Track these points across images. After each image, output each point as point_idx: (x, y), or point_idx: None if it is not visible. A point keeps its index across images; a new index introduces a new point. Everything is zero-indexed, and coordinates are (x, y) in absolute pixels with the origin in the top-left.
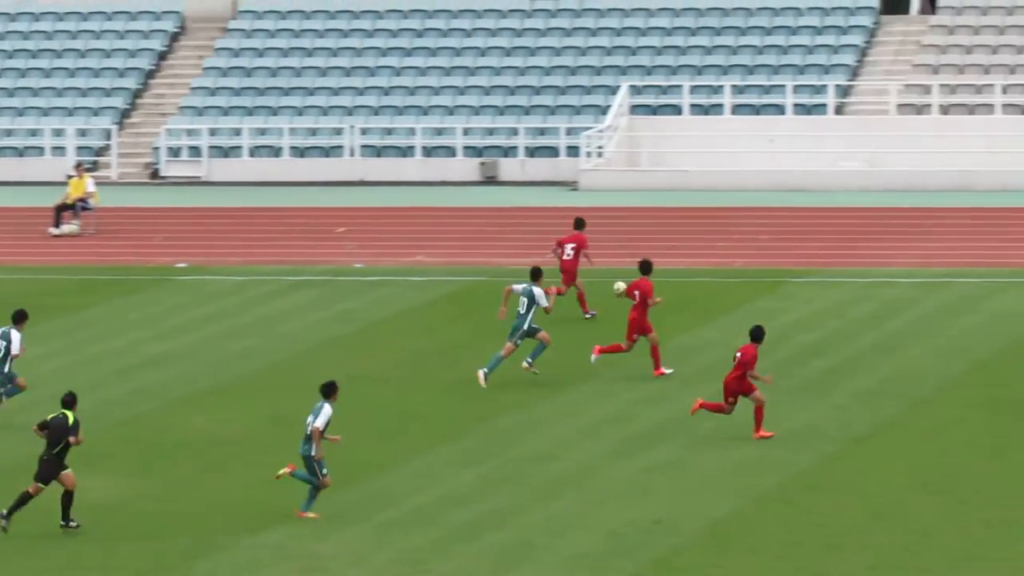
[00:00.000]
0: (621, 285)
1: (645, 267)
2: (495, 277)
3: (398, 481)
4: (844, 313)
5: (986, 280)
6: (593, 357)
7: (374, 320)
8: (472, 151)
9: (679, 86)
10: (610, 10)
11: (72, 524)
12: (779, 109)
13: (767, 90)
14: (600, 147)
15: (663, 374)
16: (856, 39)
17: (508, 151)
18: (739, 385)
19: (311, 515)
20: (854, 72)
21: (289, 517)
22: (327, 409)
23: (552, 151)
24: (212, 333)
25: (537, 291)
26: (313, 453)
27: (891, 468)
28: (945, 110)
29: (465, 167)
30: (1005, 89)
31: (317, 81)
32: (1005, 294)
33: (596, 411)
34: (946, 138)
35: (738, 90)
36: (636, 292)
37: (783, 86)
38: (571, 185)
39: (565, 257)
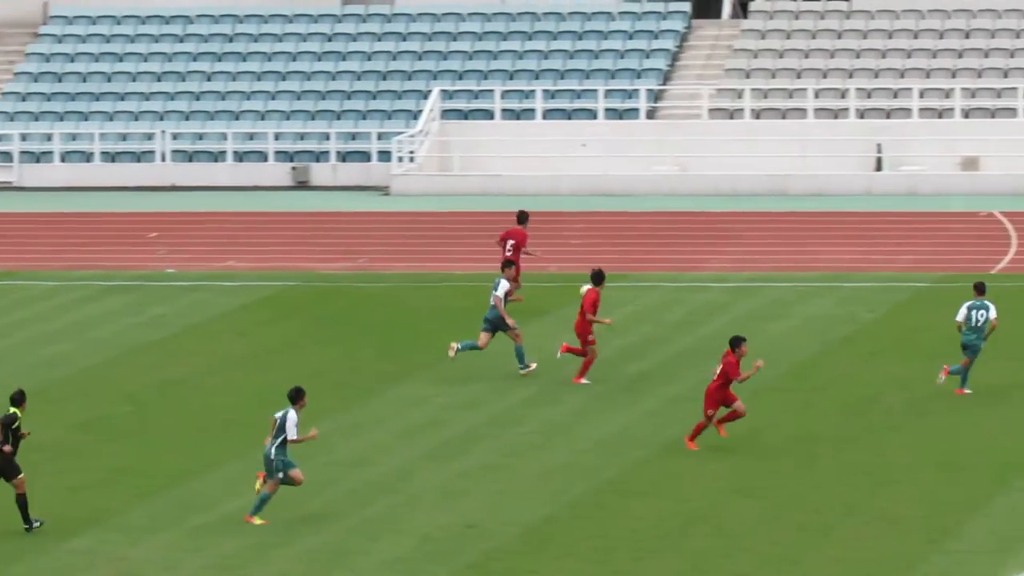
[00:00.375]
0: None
1: (597, 277)
2: (307, 282)
3: (210, 486)
4: (657, 318)
5: (798, 284)
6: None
7: (186, 325)
8: (284, 156)
9: (490, 91)
10: (421, 15)
11: (36, 524)
12: (591, 114)
13: (579, 95)
14: (412, 152)
15: (581, 382)
16: (668, 43)
17: (320, 156)
18: (721, 395)
19: (258, 521)
20: (666, 76)
21: (100, 522)
22: (292, 416)
23: (364, 156)
24: (23, 338)
25: (503, 283)
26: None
27: (705, 472)
28: (757, 114)
29: (277, 172)
30: (817, 93)
31: (128, 86)
32: (818, 298)
33: (411, 416)
34: (758, 142)
35: (549, 95)
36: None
37: (595, 91)
38: (383, 190)
39: (507, 254)
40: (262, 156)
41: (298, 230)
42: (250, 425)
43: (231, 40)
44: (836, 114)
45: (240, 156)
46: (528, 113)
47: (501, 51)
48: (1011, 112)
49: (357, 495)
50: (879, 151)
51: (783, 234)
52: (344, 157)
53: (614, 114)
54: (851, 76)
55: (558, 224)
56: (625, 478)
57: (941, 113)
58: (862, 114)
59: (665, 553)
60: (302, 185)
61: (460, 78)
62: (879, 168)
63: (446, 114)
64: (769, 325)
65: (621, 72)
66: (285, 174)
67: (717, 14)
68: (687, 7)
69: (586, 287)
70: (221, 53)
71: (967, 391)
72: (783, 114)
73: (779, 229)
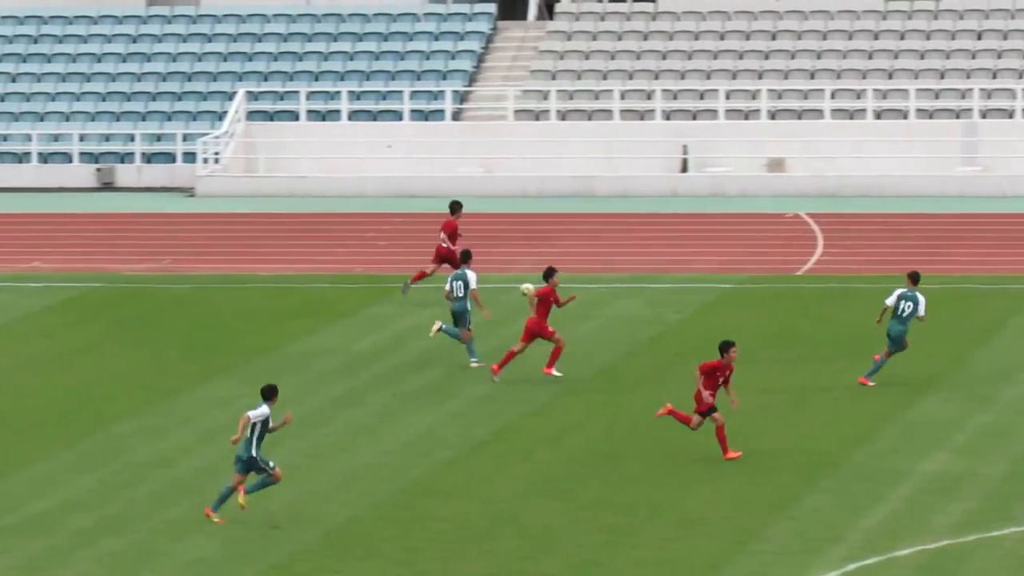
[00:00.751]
0: (530, 287)
1: (549, 274)
2: (112, 283)
3: (16, 487)
4: None
5: (605, 285)
6: (495, 378)
7: None
8: (89, 157)
9: (296, 92)
10: (226, 16)
11: None
12: (396, 115)
13: (384, 96)
14: (217, 153)
15: (552, 374)
16: (473, 45)
17: (125, 157)
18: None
19: (241, 500)
20: (471, 78)
21: None
22: (264, 408)
23: (169, 157)
24: None
25: (471, 274)
26: (252, 451)
27: (511, 473)
28: (563, 116)
29: (82, 173)
30: (623, 95)
31: None
32: (625, 299)
33: (215, 417)
34: (564, 144)
35: (355, 96)
36: (536, 298)
37: (400, 92)
38: (188, 191)
39: (443, 245)
40: (67, 157)
41: (103, 231)
42: (55, 426)
43: (36, 41)
44: (642, 115)
45: (45, 157)
46: (333, 114)
47: (306, 52)
48: (817, 113)
49: (160, 496)
50: (685, 152)
51: (589, 235)
52: (149, 158)
53: (419, 115)
54: (657, 77)
55: (364, 225)
56: (431, 479)
57: (747, 114)
58: (668, 115)
59: (471, 554)
60: (107, 186)
61: (265, 79)
62: (685, 169)
63: (251, 115)
64: (576, 326)
65: (427, 73)
66: (90, 175)
67: (523, 15)
68: (493, 8)
69: (529, 286)
70: (26, 54)
71: (871, 383)
72: (589, 115)
73: (585, 230)
